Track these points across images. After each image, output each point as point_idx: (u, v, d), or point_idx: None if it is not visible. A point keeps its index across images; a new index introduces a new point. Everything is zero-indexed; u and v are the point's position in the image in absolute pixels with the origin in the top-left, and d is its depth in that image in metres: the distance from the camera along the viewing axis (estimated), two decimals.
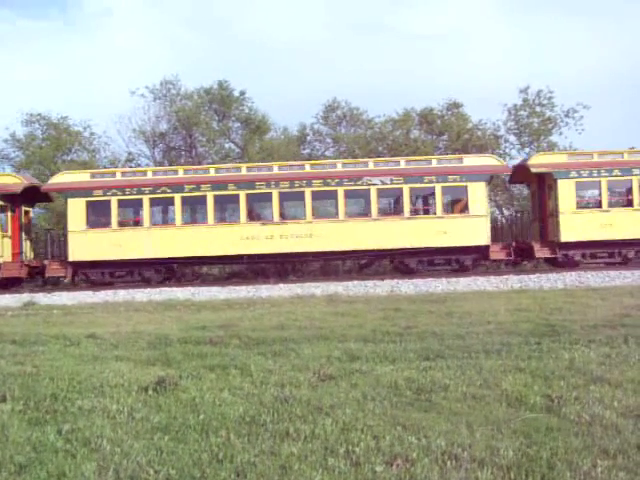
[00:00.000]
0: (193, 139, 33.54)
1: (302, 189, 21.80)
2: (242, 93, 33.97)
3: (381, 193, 22.18)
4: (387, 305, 12.89)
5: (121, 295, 18.03)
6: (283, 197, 22.14)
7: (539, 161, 22.95)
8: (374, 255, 22.67)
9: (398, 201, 22.37)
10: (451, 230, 21.60)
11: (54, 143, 32.78)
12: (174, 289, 19.15)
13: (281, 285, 18.96)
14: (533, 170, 22.76)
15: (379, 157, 26.23)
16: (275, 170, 22.19)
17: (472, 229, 21.69)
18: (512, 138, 30.38)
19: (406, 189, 21.83)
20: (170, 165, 29.97)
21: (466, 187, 21.90)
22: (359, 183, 21.84)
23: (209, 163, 29.86)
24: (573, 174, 22.11)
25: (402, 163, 22.41)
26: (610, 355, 7.26)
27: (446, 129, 30.56)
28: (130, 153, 34.22)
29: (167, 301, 15.61)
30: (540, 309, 11.39)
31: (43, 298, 17.63)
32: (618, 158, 22.49)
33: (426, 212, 22.60)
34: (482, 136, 29.59)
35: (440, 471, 4.04)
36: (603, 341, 8.09)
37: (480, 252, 22.13)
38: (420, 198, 23.46)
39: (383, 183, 21.84)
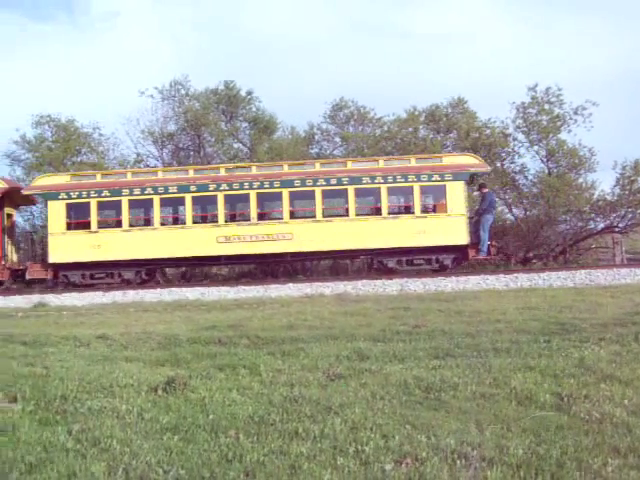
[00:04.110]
0: (201, 139, 33.52)
1: None
2: (249, 93, 33.93)
3: None
4: (396, 304, 12.86)
5: (131, 295, 18.07)
6: None
7: (38, 183, 22.87)
8: None
9: None
10: None
11: (63, 145, 32.85)
12: (183, 289, 19.17)
13: (290, 285, 18.95)
14: (25, 192, 22.96)
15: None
16: None
17: None
18: (521, 136, 30.21)
19: None
20: (179, 165, 29.98)
21: None
22: None
23: (217, 163, 29.89)
24: (63, 195, 21.88)
25: None
26: (620, 353, 7.23)
27: (453, 127, 30.42)
28: (139, 154, 34.27)
29: (176, 301, 15.63)
30: (550, 307, 11.34)
31: (53, 299, 17.68)
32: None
33: None
34: (491, 134, 29.44)
35: (450, 470, 4.03)
36: (613, 339, 8.04)
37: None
38: None
39: None
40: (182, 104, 33.54)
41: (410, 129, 30.55)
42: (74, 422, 5.29)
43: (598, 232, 28.78)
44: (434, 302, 13.01)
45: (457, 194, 21.36)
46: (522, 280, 17.64)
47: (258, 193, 21.66)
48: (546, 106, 29.37)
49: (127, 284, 21.71)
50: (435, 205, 22.13)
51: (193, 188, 21.74)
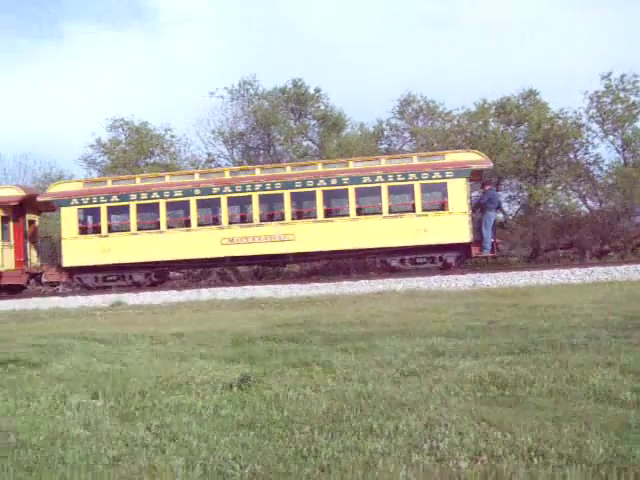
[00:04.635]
0: (271, 138, 33.79)
1: None
2: (317, 90, 34.04)
3: None
4: (469, 299, 12.74)
5: (204, 294, 18.36)
6: None
7: (52, 190, 23.78)
8: None
9: None
10: None
11: (137, 147, 33.61)
12: (256, 287, 19.38)
13: (362, 281, 18.95)
14: (39, 199, 23.60)
15: (458, 149, 25.79)
16: None
17: None
18: (595, 126, 29.46)
19: None
20: (249, 164, 30.32)
21: None
22: None
23: (287, 161, 30.11)
24: (75, 201, 22.64)
25: None
26: None
27: (524, 119, 29.84)
28: (209, 154, 34.77)
29: (249, 299, 15.81)
30: (629, 301, 11.04)
31: (130, 298, 18.10)
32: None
33: None
34: (563, 125, 28.80)
35: (527, 468, 3.95)
36: None
37: None
38: None
39: None
40: (251, 103, 33.89)
41: (480, 122, 30.16)
42: (153, 418, 5.41)
43: None
44: (507, 297, 12.84)
45: (459, 191, 21.13)
46: (598, 274, 17.20)
47: (260, 195, 21.98)
48: (621, 94, 28.58)
49: (137, 286, 22.31)
50: (436, 203, 22.00)
51: (197, 192, 22.23)
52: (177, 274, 28.42)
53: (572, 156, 29.18)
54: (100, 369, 7.61)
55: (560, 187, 29.24)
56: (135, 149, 33.60)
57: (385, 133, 33.52)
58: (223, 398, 5.92)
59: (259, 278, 26.26)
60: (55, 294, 22.25)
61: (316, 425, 4.97)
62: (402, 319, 10.38)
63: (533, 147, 29.03)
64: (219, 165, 33.35)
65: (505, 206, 31.01)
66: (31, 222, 25.41)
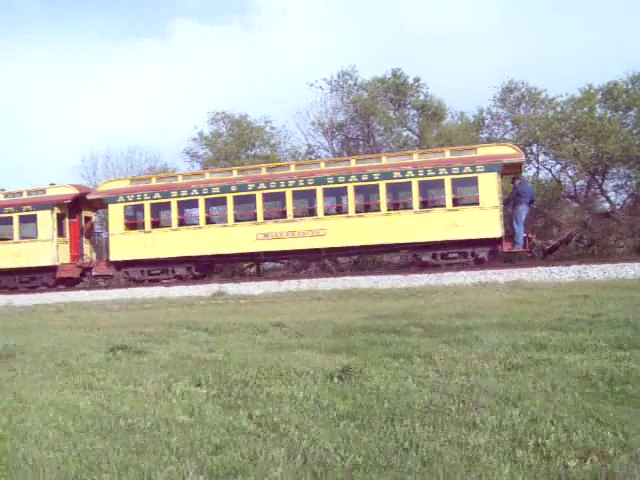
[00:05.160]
0: (370, 129, 33.70)
1: None
2: (416, 80, 33.68)
3: None
4: (574, 292, 12.34)
5: (305, 284, 18.50)
6: None
7: (101, 188, 24.71)
8: None
9: None
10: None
11: (238, 139, 34.20)
12: (356, 278, 19.39)
13: (463, 272, 18.68)
14: (89, 197, 24.26)
15: (561, 138, 24.99)
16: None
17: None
18: None
19: None
20: (349, 155, 30.32)
21: None
22: None
23: (387, 151, 29.95)
24: (121, 199, 23.45)
25: None
26: None
27: (633, 104, 28.62)
28: (309, 145, 34.99)
29: (349, 290, 15.83)
30: None
31: (231, 288, 18.44)
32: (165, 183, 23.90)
33: None
34: None
35: None
36: None
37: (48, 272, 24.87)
38: None
39: None
40: (350, 94, 33.86)
41: (585, 109, 29.12)
42: (254, 407, 5.47)
43: None
44: (615, 289, 12.37)
45: (490, 186, 20.68)
46: None
47: (293, 191, 22.23)
48: None
49: (180, 280, 23.00)
50: (467, 198, 21.57)
51: (234, 188, 22.71)
52: (277, 265, 28.87)
53: None
54: (203, 357, 7.78)
55: None
56: (236, 141, 34.20)
57: (486, 122, 32.87)
58: (324, 389, 5.94)
59: (359, 269, 26.28)
60: (160, 284, 22.90)
61: (417, 418, 4.91)
62: (504, 311, 10.16)
63: None
64: (318, 156, 33.57)
65: (612, 195, 29.94)
66: (87, 218, 26.73)
